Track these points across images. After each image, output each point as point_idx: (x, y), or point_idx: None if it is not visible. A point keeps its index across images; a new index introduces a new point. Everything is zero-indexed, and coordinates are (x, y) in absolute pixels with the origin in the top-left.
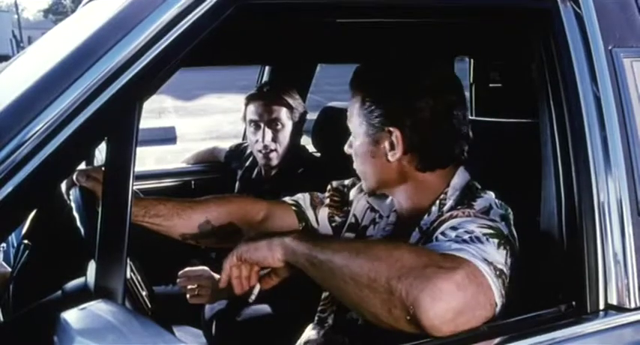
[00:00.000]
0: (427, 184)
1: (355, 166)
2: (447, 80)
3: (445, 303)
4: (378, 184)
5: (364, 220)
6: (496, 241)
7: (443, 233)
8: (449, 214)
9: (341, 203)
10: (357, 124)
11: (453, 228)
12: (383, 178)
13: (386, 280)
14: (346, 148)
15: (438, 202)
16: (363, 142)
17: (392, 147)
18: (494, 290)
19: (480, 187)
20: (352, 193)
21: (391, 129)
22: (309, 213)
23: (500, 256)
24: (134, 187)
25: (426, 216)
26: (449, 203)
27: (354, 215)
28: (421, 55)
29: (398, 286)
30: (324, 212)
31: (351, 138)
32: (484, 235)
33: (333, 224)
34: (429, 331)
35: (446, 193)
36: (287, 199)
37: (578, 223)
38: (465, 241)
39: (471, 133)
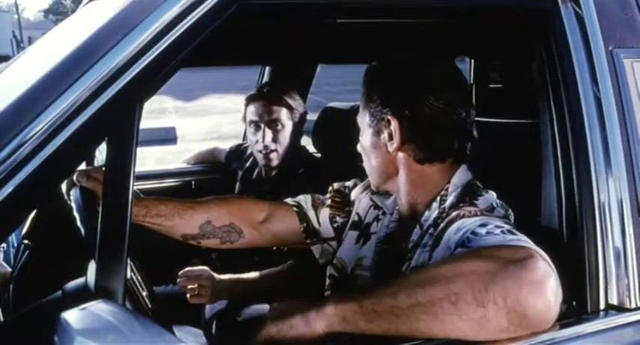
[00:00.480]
0: (427, 178)
1: (364, 162)
2: (448, 79)
3: (546, 292)
4: (380, 178)
5: (367, 218)
6: (522, 235)
7: (473, 232)
8: (455, 213)
9: (342, 204)
10: (362, 117)
11: (482, 225)
12: (385, 171)
13: (472, 298)
14: (358, 147)
15: (438, 198)
16: (367, 134)
17: (390, 137)
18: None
19: (480, 186)
20: (354, 193)
21: (389, 118)
22: (311, 214)
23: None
24: (134, 188)
25: (426, 212)
26: (450, 200)
27: (357, 213)
28: (423, 55)
29: (490, 297)
30: (325, 213)
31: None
32: (511, 229)
33: (335, 225)
34: (538, 325)
35: (447, 190)
36: (288, 200)
37: (579, 223)
38: (506, 233)
39: (475, 133)
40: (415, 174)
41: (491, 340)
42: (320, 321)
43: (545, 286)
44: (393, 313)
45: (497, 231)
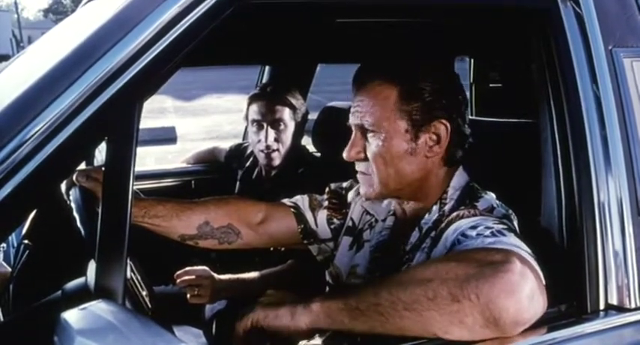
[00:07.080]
0: (436, 182)
1: (372, 170)
2: (454, 78)
3: (519, 294)
4: (401, 185)
5: (361, 224)
6: (512, 234)
7: (464, 234)
8: (455, 214)
9: (339, 205)
10: (390, 121)
11: (472, 227)
12: (415, 177)
13: (448, 293)
14: (352, 154)
15: (438, 201)
16: (398, 140)
17: (438, 140)
18: (540, 272)
19: (479, 188)
20: (350, 195)
21: (443, 122)
22: (308, 215)
23: (524, 246)
24: (134, 187)
25: (426, 215)
26: (450, 203)
27: (352, 218)
28: (425, 54)
29: (464, 294)
30: (322, 214)
31: (354, 141)
32: (503, 229)
33: (332, 226)
34: (510, 327)
35: (447, 193)
36: (286, 201)
37: (579, 223)
38: (488, 236)
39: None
40: (434, 178)
41: (478, 339)
42: (305, 316)
43: (518, 289)
44: (376, 310)
45: (487, 232)
